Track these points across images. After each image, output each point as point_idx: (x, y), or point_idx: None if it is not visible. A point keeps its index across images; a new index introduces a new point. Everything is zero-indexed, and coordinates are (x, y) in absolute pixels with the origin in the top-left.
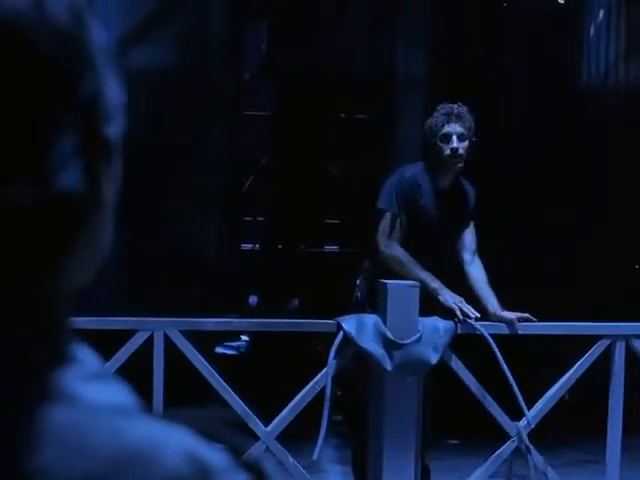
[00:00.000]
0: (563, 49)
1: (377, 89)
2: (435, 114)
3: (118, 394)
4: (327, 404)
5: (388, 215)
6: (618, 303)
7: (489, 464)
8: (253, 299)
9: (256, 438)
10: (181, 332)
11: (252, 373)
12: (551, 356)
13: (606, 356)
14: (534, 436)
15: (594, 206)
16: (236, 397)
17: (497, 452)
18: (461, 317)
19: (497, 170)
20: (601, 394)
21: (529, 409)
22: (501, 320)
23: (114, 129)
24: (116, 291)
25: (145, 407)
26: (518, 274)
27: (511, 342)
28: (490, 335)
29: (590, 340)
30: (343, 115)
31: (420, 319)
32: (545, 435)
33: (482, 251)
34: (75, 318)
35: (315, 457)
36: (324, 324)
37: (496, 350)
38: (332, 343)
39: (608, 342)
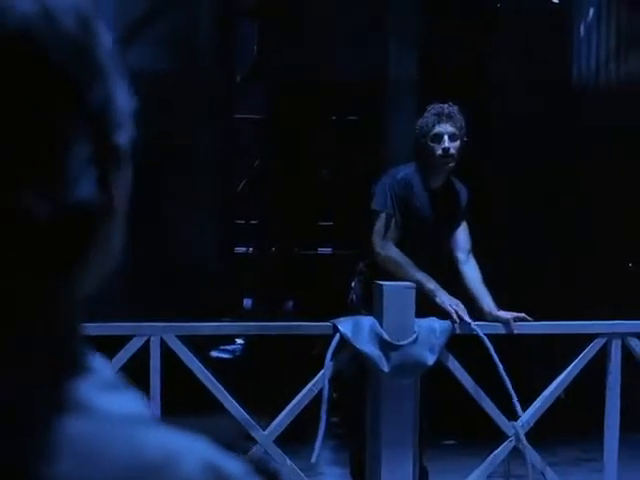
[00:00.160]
0: (555, 49)
1: (368, 91)
2: (426, 114)
3: (133, 403)
4: (324, 406)
5: (383, 216)
6: (613, 301)
7: (487, 464)
8: (247, 302)
9: (254, 442)
10: (177, 337)
11: (248, 376)
12: (547, 355)
13: (602, 354)
14: (531, 435)
15: (588, 205)
16: (234, 401)
17: (495, 452)
18: (457, 319)
19: (490, 170)
20: (597, 393)
21: (526, 408)
22: (497, 320)
23: (124, 137)
24: (110, 296)
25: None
26: (513, 274)
27: (507, 342)
28: (486, 335)
29: (586, 339)
30: (335, 117)
31: (416, 320)
32: (542, 434)
33: (477, 251)
34: None
35: (313, 460)
36: (320, 326)
37: (492, 351)
38: (328, 345)
39: (604, 340)
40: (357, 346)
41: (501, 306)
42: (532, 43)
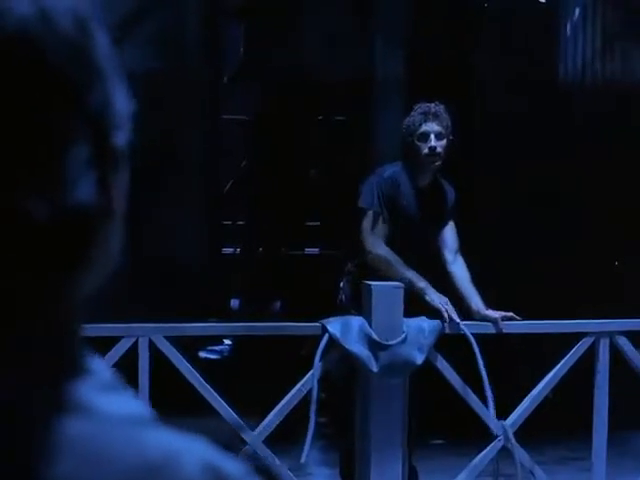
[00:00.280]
0: (542, 48)
1: (355, 90)
2: (412, 113)
3: (132, 405)
4: (313, 407)
5: (370, 213)
6: (600, 300)
7: (476, 463)
8: (234, 302)
9: (243, 442)
10: (166, 338)
11: (236, 377)
12: (535, 354)
13: (589, 353)
14: (519, 434)
15: (574, 204)
16: (223, 402)
17: (484, 452)
18: (447, 318)
19: (477, 169)
20: (584, 391)
21: (514, 408)
22: (485, 319)
23: (122, 138)
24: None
25: (159, 417)
26: (500, 273)
27: (495, 341)
28: (474, 335)
29: (574, 338)
30: (322, 117)
31: (405, 320)
32: (529, 433)
33: (464, 250)
34: None
35: (303, 460)
36: (309, 327)
37: (477, 350)
38: (317, 346)
39: (592, 339)
40: (346, 346)
41: (489, 305)
42: (519, 42)
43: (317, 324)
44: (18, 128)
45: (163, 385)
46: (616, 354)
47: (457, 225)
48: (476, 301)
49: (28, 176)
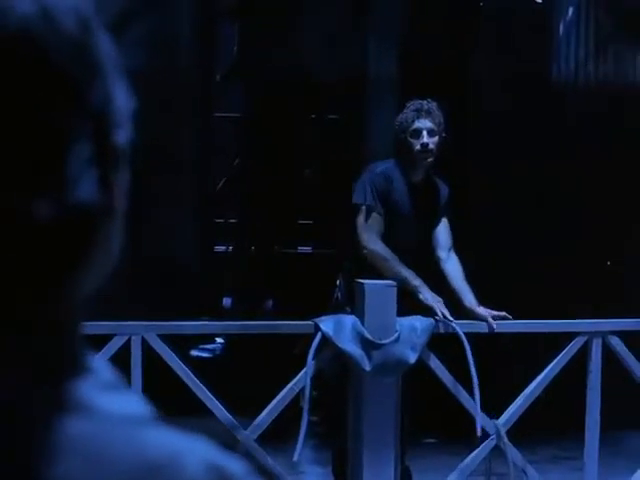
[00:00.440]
0: (536, 48)
1: (348, 89)
2: (405, 110)
3: (134, 404)
4: (306, 405)
5: (363, 209)
6: (592, 299)
7: (468, 462)
8: (227, 301)
9: (239, 442)
10: (159, 336)
11: (228, 375)
12: (528, 353)
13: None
14: (511, 433)
15: (567, 204)
16: (215, 401)
17: (476, 451)
18: (440, 316)
19: (471, 168)
20: (576, 391)
21: (507, 407)
22: (475, 316)
23: (123, 137)
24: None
25: (161, 417)
26: (494, 271)
27: (487, 340)
28: (466, 334)
29: (567, 337)
30: (314, 116)
31: (398, 319)
32: (521, 432)
33: (459, 249)
34: None
35: (295, 458)
36: (302, 325)
37: (468, 350)
38: (310, 344)
39: (585, 339)
40: (339, 345)
41: (483, 303)
42: (513, 42)
43: (310, 323)
44: (20, 126)
45: (155, 383)
46: (608, 354)
47: (451, 222)
48: (469, 298)
49: (30, 175)
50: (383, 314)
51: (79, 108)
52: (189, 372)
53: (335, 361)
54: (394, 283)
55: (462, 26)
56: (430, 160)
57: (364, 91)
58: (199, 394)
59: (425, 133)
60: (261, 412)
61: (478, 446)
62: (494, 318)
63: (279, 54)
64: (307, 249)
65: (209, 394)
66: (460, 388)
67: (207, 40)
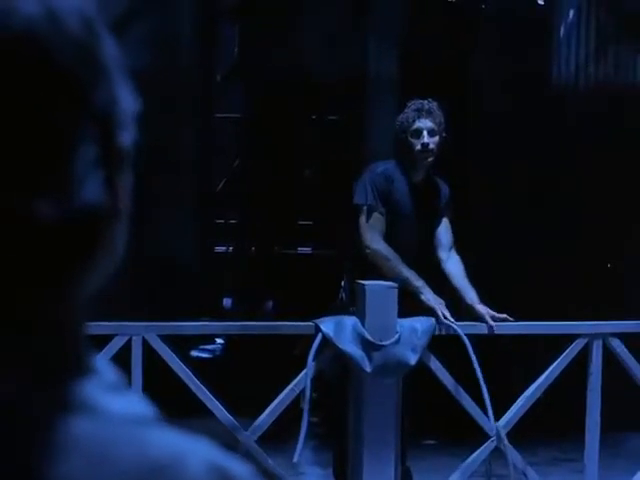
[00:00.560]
0: (536, 49)
1: (348, 90)
2: (406, 110)
3: (137, 405)
4: (306, 406)
5: (365, 209)
6: (593, 301)
7: (468, 464)
8: (227, 301)
9: (241, 443)
10: (159, 336)
11: (228, 376)
12: (528, 355)
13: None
14: (511, 435)
15: (567, 205)
16: (216, 401)
17: (476, 452)
18: (441, 317)
19: (472, 168)
20: (576, 393)
21: (507, 409)
22: (474, 313)
23: (127, 138)
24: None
25: (163, 418)
26: (494, 272)
27: (487, 341)
28: (467, 335)
29: (568, 339)
30: (314, 116)
31: (398, 320)
32: (521, 434)
33: (459, 249)
34: None
35: (295, 459)
36: (302, 326)
37: (471, 351)
38: (310, 345)
39: (586, 341)
40: (339, 346)
41: (484, 304)
42: (513, 43)
43: (310, 324)
44: (25, 128)
45: (156, 384)
46: (609, 355)
47: (452, 222)
48: (471, 295)
49: (34, 175)
50: (384, 315)
51: (84, 109)
52: (189, 373)
53: (335, 362)
54: (395, 284)
55: (462, 26)
56: (431, 160)
57: (364, 91)
58: (199, 395)
59: (426, 133)
60: (261, 413)
61: (478, 448)
62: (495, 319)
63: (279, 54)
64: (307, 250)
65: (209, 395)
66: (461, 390)
67: (208, 40)
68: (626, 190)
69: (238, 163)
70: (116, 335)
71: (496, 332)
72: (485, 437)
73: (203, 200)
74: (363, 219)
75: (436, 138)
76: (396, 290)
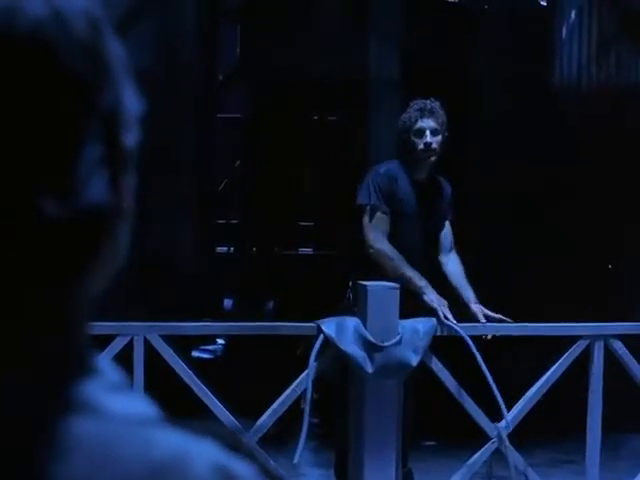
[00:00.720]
0: (538, 50)
1: (350, 90)
2: (408, 110)
3: (140, 405)
4: (307, 407)
5: (368, 209)
6: (594, 302)
7: (469, 465)
8: (228, 302)
9: (245, 444)
10: (161, 336)
11: (229, 377)
12: (530, 356)
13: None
14: (512, 436)
15: (567, 205)
16: (217, 402)
17: (477, 453)
18: (442, 318)
19: (471, 170)
20: (577, 394)
21: (508, 410)
22: (469, 312)
23: (131, 138)
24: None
25: (167, 418)
26: (494, 273)
27: (488, 342)
28: (469, 337)
29: (569, 340)
30: (316, 117)
31: (400, 321)
32: (522, 435)
33: (459, 250)
34: None
35: (296, 460)
36: (304, 327)
37: (476, 352)
38: (312, 346)
39: (587, 342)
40: (341, 347)
41: (483, 304)
42: (514, 43)
43: (311, 324)
44: (30, 127)
45: (157, 383)
46: (610, 357)
47: (453, 222)
48: (467, 294)
49: (40, 175)
50: (385, 316)
51: (89, 110)
52: (190, 372)
53: (337, 363)
54: (397, 285)
55: (464, 27)
56: (433, 159)
57: (365, 92)
58: (201, 395)
59: (428, 132)
60: (262, 413)
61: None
62: (489, 319)
63: (281, 55)
64: (308, 250)
65: (211, 395)
66: (462, 391)
67: (209, 41)
68: (627, 190)
69: (239, 163)
70: (118, 335)
71: (497, 333)
72: (486, 438)
73: (204, 200)
74: (366, 219)
75: (439, 137)
76: (398, 291)
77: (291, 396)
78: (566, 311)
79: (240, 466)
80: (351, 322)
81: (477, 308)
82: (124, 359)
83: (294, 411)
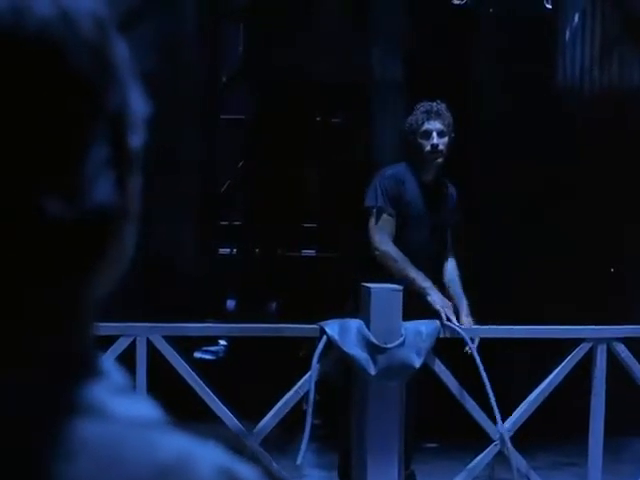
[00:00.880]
0: (539, 53)
1: (353, 92)
2: (415, 112)
3: (145, 408)
4: (310, 409)
5: (374, 211)
6: (596, 305)
7: (472, 468)
8: (230, 303)
9: (249, 447)
10: (164, 337)
11: (231, 378)
12: (532, 359)
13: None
14: (514, 439)
15: (569, 207)
16: (220, 403)
17: (480, 456)
18: (445, 320)
19: (473, 171)
20: (579, 396)
21: (510, 413)
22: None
23: (137, 140)
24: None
25: (172, 421)
26: (492, 273)
27: (491, 344)
28: (471, 339)
29: (571, 343)
30: (319, 118)
31: (403, 323)
32: (524, 438)
33: (458, 250)
34: None
35: (298, 462)
36: (307, 329)
37: (476, 355)
38: (315, 348)
39: (590, 345)
40: (344, 349)
41: (483, 305)
42: (517, 46)
43: (314, 326)
44: (38, 127)
45: (159, 384)
46: (613, 360)
47: (456, 226)
48: (461, 304)
49: (47, 175)
50: (389, 318)
51: (96, 111)
52: (193, 373)
53: (340, 365)
54: (400, 287)
55: (467, 29)
56: (440, 160)
57: (369, 94)
58: (203, 396)
59: (435, 134)
60: (264, 415)
61: (482, 452)
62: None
63: (284, 56)
64: (311, 252)
65: (213, 396)
66: (464, 393)
67: (212, 41)
68: (629, 192)
69: (242, 164)
70: (121, 336)
71: (500, 336)
72: (488, 441)
73: (207, 201)
74: (372, 221)
75: (445, 139)
76: (401, 293)
77: (294, 398)
78: (566, 312)
79: (244, 469)
80: (354, 324)
81: (467, 321)
82: (127, 360)
83: (297, 413)
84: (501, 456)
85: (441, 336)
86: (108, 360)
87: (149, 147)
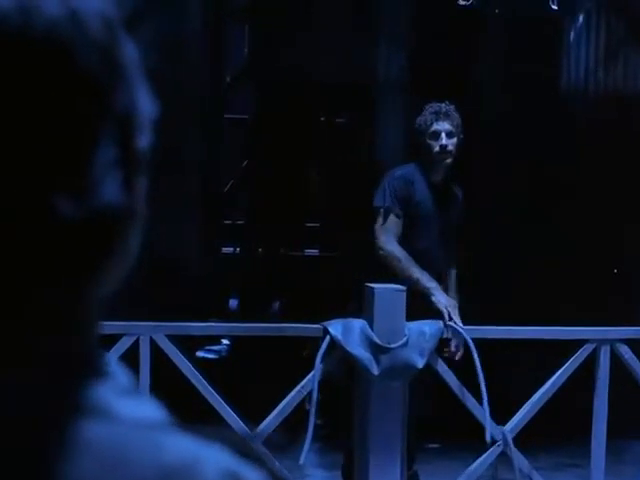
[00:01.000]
0: (544, 54)
1: (357, 92)
2: (424, 113)
3: (150, 409)
4: (313, 409)
5: (382, 211)
6: (599, 307)
7: (474, 468)
8: (233, 302)
9: (254, 449)
10: (167, 336)
11: (233, 377)
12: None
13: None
14: (517, 440)
15: (571, 208)
16: (223, 403)
17: (482, 457)
18: (447, 320)
19: (476, 172)
20: (582, 398)
21: (513, 414)
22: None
23: (144, 141)
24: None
25: (177, 423)
26: (492, 274)
27: (494, 345)
28: (474, 340)
29: (574, 344)
30: (323, 118)
31: (406, 323)
32: (527, 439)
33: (459, 250)
34: None
35: (301, 462)
36: (310, 329)
37: (476, 356)
38: (319, 347)
39: (593, 346)
40: (347, 348)
41: (483, 306)
42: (522, 47)
43: (317, 326)
44: (46, 127)
45: (163, 383)
46: (616, 361)
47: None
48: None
49: (55, 174)
50: (392, 318)
51: (104, 111)
52: (196, 373)
53: (343, 364)
54: (403, 287)
55: (472, 29)
56: (449, 161)
57: (372, 94)
58: (207, 395)
59: (444, 135)
60: (267, 414)
61: (484, 452)
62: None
63: (289, 56)
64: (314, 252)
65: (217, 396)
66: (467, 393)
67: (217, 41)
68: (631, 193)
69: (246, 164)
70: (124, 335)
71: (503, 337)
72: (491, 442)
73: (210, 201)
74: (379, 221)
75: (454, 140)
76: (404, 293)
77: (296, 398)
78: (567, 312)
79: (249, 472)
80: (357, 324)
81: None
82: (130, 359)
83: (299, 412)
84: (504, 456)
85: (444, 336)
86: (113, 361)
87: (153, 147)
